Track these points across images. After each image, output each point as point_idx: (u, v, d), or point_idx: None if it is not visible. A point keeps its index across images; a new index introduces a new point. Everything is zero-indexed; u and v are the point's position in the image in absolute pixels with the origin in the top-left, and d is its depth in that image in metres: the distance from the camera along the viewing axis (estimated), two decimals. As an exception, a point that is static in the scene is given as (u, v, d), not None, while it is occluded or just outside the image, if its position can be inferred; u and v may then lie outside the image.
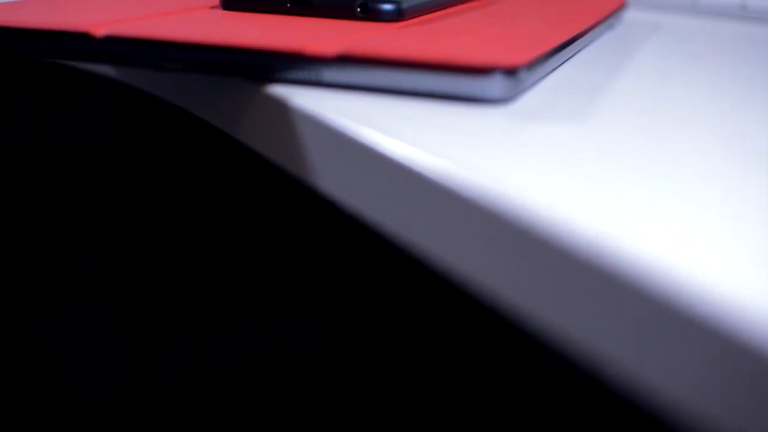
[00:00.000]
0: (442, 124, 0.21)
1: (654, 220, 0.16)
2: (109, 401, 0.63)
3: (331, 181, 0.22)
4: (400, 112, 0.22)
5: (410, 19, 0.30)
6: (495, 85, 0.23)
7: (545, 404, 0.56)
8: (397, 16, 0.29)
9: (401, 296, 0.61)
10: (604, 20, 0.36)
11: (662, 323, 0.14)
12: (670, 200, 0.17)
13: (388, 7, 0.29)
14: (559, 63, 0.29)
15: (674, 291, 0.14)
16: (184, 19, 0.28)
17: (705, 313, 0.13)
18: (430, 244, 0.19)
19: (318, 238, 0.62)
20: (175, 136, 0.60)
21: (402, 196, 0.19)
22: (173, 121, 0.59)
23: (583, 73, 0.29)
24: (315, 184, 0.23)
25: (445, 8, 0.35)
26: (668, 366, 0.14)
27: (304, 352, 0.64)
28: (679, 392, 0.14)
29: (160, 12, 0.30)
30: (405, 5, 0.30)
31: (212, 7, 0.32)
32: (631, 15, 0.47)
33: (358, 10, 0.29)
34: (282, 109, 0.23)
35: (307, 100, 0.23)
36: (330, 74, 0.24)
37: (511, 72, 0.23)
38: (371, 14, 0.29)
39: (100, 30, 0.25)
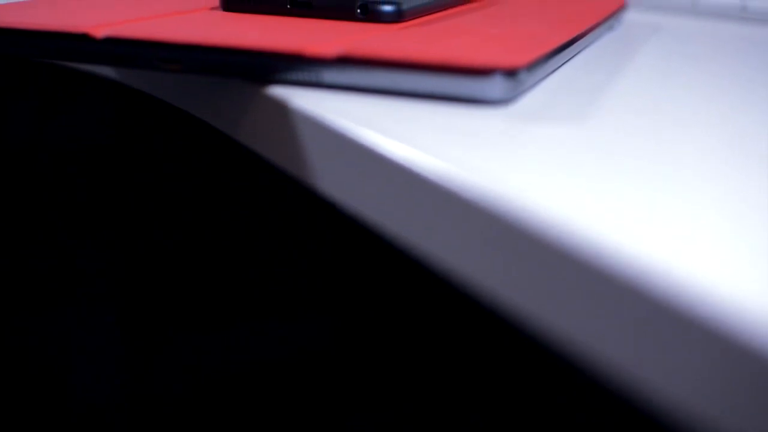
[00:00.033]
0: (442, 126, 0.21)
1: (654, 222, 0.16)
2: (109, 401, 0.63)
3: (331, 182, 0.22)
4: (400, 113, 0.22)
5: (410, 20, 0.30)
6: (495, 86, 0.23)
7: (545, 405, 0.56)
8: (397, 17, 0.29)
9: (401, 297, 0.61)
10: (604, 21, 0.36)
11: (662, 324, 0.14)
12: (670, 201, 0.17)
13: (388, 8, 0.29)
14: (559, 64, 0.29)
15: (674, 292, 0.14)
16: (183, 20, 0.28)
17: (705, 314, 0.13)
18: (430, 245, 0.19)
19: (318, 239, 0.62)
20: (174, 136, 0.60)
21: (402, 197, 0.19)
22: (173, 122, 0.59)
23: (583, 75, 0.29)
24: (315, 185, 0.23)
25: (445, 9, 0.35)
26: (668, 367, 0.14)
27: (304, 352, 0.64)
28: (679, 393, 0.14)
29: (159, 13, 0.30)
30: (405, 6, 0.30)
31: (212, 8, 0.32)
32: (631, 16, 0.47)
33: (358, 11, 0.29)
34: (282, 110, 0.23)
35: (307, 101, 0.23)
36: (330, 75, 0.24)
37: (511, 73, 0.23)
38: (371, 15, 0.29)
39: (99, 31, 0.25)
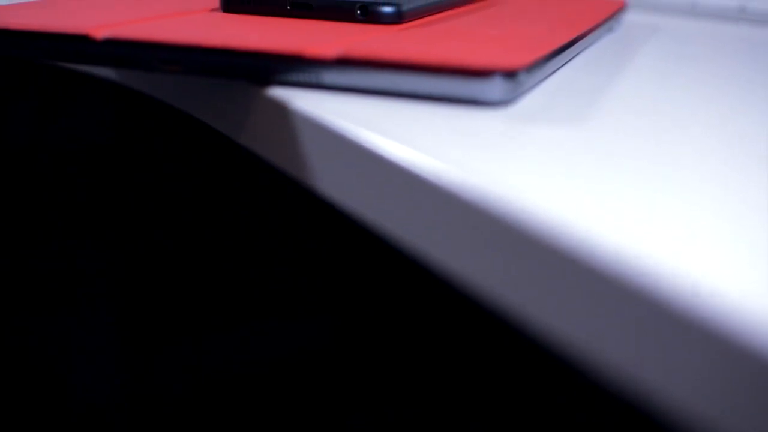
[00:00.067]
0: (441, 127, 0.21)
1: (654, 222, 0.16)
2: (109, 401, 0.63)
3: (330, 183, 0.22)
4: (399, 114, 0.22)
5: (410, 21, 0.30)
6: (494, 87, 0.23)
7: (545, 405, 0.56)
8: (397, 18, 0.30)
9: (400, 297, 0.61)
10: (603, 23, 0.36)
11: (662, 325, 0.14)
12: (670, 202, 0.17)
13: (387, 9, 0.29)
14: (559, 65, 0.29)
15: (674, 293, 0.14)
16: (183, 21, 0.28)
17: (705, 315, 0.13)
18: (430, 245, 0.19)
19: (318, 240, 0.62)
20: (174, 137, 0.60)
21: (401, 198, 0.19)
22: (173, 123, 0.59)
23: (583, 76, 0.29)
24: (315, 186, 0.23)
25: (444, 11, 0.35)
26: (668, 368, 0.14)
27: (304, 352, 0.64)
28: (679, 394, 0.14)
29: (159, 14, 0.30)
30: (405, 8, 0.30)
31: (212, 10, 0.32)
32: (630, 17, 0.47)
33: (358, 12, 0.29)
34: (282, 111, 0.23)
35: (306, 102, 0.23)
36: (330, 77, 0.24)
37: (510, 74, 0.23)
38: (371, 17, 0.29)
39: (100, 32, 0.25)
